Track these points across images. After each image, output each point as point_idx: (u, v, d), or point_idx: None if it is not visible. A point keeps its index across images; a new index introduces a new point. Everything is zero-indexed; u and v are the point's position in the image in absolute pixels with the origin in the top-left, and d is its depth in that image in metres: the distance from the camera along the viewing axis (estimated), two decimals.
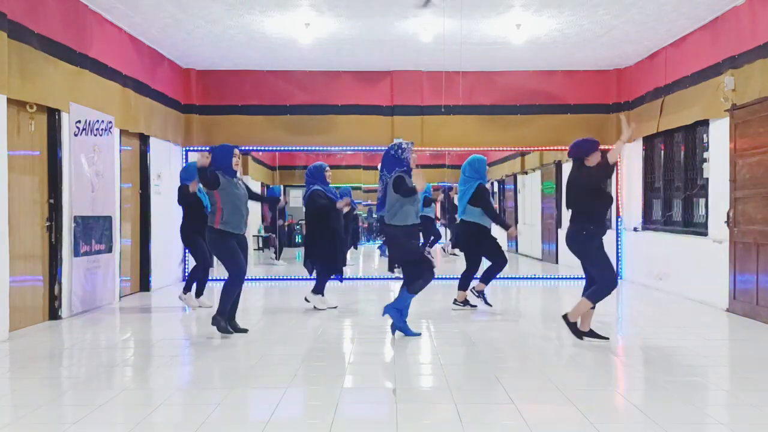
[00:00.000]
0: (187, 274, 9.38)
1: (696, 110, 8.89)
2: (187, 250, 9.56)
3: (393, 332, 6.42)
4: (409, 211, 6.18)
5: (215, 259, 7.81)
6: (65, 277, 7.51)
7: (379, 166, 6.55)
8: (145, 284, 9.82)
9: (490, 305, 7.98)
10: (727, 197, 8.00)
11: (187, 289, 8.20)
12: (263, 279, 11.57)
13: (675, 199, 10.00)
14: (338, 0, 8.06)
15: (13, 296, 6.55)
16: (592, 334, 6.11)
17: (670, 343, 6.28)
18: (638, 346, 6.14)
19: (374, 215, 16.40)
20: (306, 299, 8.13)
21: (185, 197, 7.89)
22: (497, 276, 7.96)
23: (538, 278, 11.57)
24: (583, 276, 6.25)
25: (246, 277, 6.58)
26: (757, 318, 7.35)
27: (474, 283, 7.99)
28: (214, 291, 10.05)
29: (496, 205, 15.47)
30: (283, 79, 11.55)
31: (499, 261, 7.80)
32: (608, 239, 7.12)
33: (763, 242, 7.28)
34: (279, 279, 11.56)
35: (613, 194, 10.95)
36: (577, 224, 5.99)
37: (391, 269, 11.46)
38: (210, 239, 6.45)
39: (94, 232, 8.03)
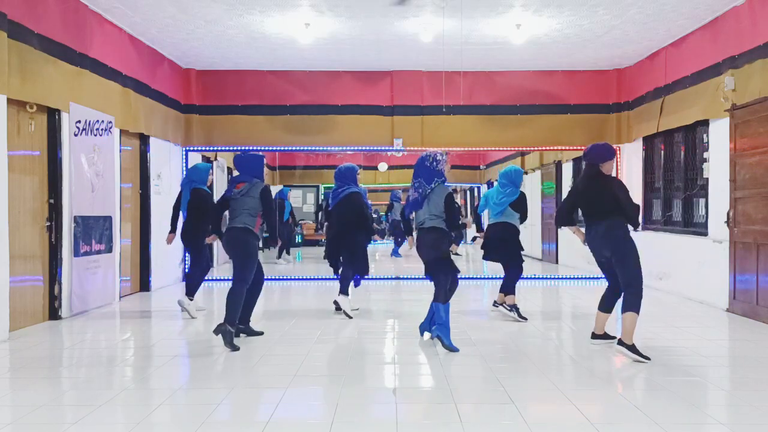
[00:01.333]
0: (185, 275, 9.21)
1: (696, 110, 8.89)
2: (187, 252, 8.86)
3: (432, 336, 6.24)
4: None
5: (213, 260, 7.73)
6: (65, 277, 7.50)
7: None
8: (145, 284, 9.82)
9: (525, 318, 7.64)
10: (727, 197, 8.01)
11: (191, 294, 7.68)
12: (264, 279, 11.52)
13: (675, 199, 9.99)
14: (338, 0, 8.06)
15: (13, 296, 6.55)
16: (605, 336, 6.10)
17: (670, 343, 6.28)
18: (638, 346, 6.12)
19: (386, 216, 16.38)
20: (335, 302, 7.83)
21: (204, 201, 7.54)
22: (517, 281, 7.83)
23: (538, 278, 11.56)
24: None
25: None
26: (757, 318, 7.35)
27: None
28: (214, 292, 10.04)
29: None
30: (283, 79, 11.55)
31: (518, 267, 7.75)
32: None
33: (763, 242, 7.28)
34: (279, 279, 11.56)
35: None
36: (612, 221, 5.75)
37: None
38: (248, 242, 6.22)
39: (94, 232, 8.03)
